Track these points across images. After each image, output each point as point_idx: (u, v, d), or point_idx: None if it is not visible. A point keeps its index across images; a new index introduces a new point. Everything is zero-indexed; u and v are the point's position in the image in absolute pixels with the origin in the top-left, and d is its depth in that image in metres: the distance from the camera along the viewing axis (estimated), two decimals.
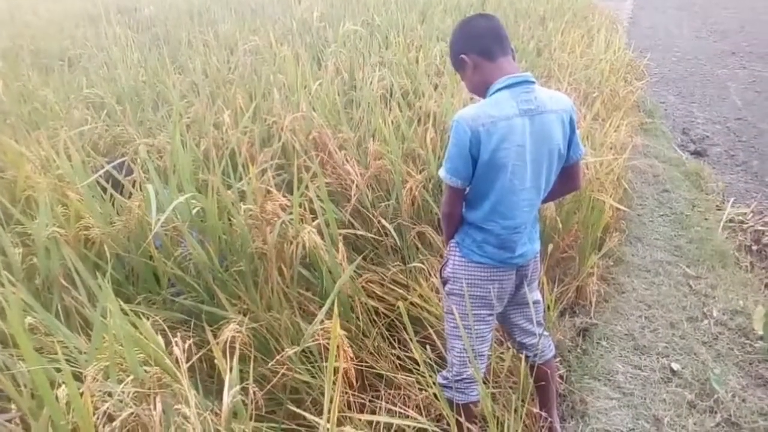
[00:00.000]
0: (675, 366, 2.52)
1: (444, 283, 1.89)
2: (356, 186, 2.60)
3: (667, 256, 3.38)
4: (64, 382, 1.30)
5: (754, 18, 11.99)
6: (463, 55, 1.69)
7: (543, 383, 2.05)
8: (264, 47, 4.36)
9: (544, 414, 2.08)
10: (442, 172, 1.70)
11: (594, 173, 2.79)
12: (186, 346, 1.41)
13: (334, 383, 1.31)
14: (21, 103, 3.45)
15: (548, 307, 2.43)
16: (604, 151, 3.24)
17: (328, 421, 1.30)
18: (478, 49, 1.68)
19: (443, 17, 5.71)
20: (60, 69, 4.54)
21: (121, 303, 1.37)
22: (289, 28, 5.41)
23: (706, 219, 3.90)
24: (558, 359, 2.52)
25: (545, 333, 2.02)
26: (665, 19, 12.38)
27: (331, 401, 1.29)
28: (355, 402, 1.92)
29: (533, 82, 1.67)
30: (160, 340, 1.46)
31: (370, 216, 2.60)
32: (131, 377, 1.31)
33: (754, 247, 3.62)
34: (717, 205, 4.12)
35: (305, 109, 2.98)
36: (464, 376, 1.85)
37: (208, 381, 1.80)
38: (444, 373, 1.91)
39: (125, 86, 3.81)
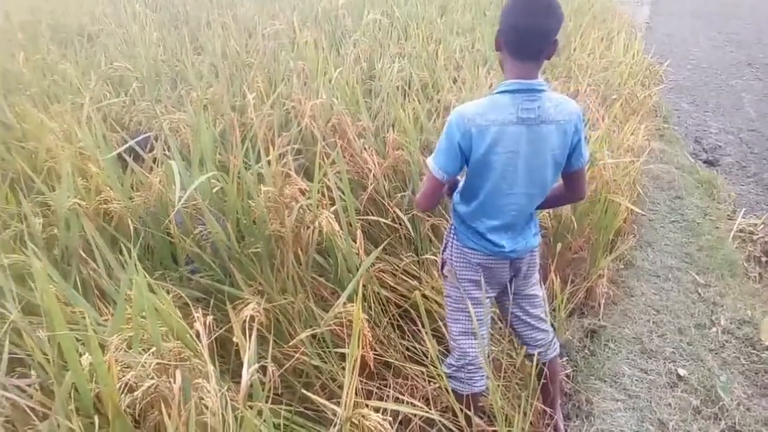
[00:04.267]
0: (681, 371, 2.53)
1: (442, 265, 1.92)
2: (373, 175, 2.60)
3: (677, 262, 3.39)
4: (85, 352, 1.32)
5: None
6: (499, 37, 1.70)
7: (545, 381, 2.07)
8: (284, 32, 4.36)
9: (549, 411, 2.10)
10: (429, 161, 1.72)
11: (611, 175, 2.79)
12: (207, 321, 1.42)
13: (353, 369, 1.32)
14: (41, 77, 3.45)
15: (557, 308, 2.44)
16: (621, 153, 3.23)
17: (344, 408, 1.31)
18: (509, 40, 1.66)
19: (463, 12, 5.69)
20: (79, 44, 4.53)
21: (147, 276, 1.38)
22: (308, 15, 5.40)
23: (716, 228, 3.89)
24: (565, 359, 2.54)
25: (548, 329, 2.03)
26: (682, 26, 12.29)
27: (348, 387, 1.31)
28: (362, 389, 1.94)
29: (542, 90, 1.65)
30: (178, 315, 1.48)
31: (386, 206, 2.61)
32: (153, 349, 1.32)
33: (764, 259, 3.62)
34: (728, 215, 4.11)
35: (325, 96, 2.98)
36: (467, 362, 1.87)
37: (220, 361, 1.81)
38: (448, 360, 1.93)
39: (144, 64, 3.81)
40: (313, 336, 1.88)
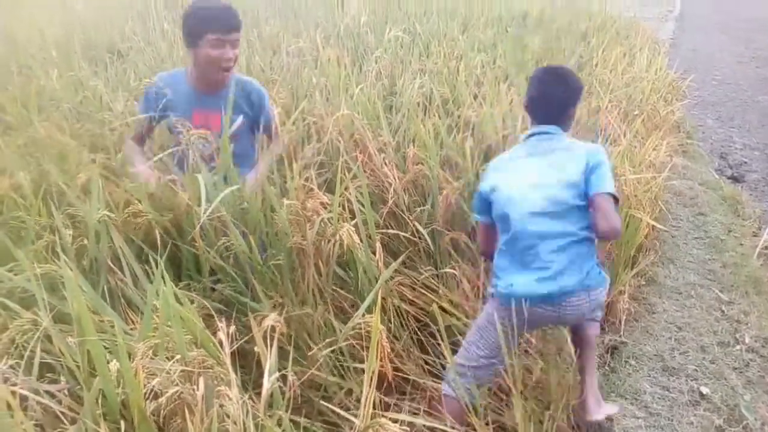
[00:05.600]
0: (704, 390, 2.49)
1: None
2: (393, 190, 2.64)
3: (700, 279, 3.35)
4: (113, 359, 1.37)
5: None
6: (525, 103, 2.06)
7: (577, 349, 2.13)
8: (307, 49, 4.44)
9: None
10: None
11: (632, 190, 2.78)
12: (230, 331, 1.46)
13: (371, 382, 1.35)
14: (73, 93, 3.56)
15: None
16: (642, 169, 3.22)
17: (361, 419, 1.33)
18: (528, 107, 1.97)
19: (485, 29, 5.74)
20: (109, 61, 4.67)
21: (173, 287, 1.43)
22: (330, 32, 5.50)
23: (741, 245, 3.85)
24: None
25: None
26: (707, 41, 12.19)
27: (366, 397, 1.33)
28: (381, 401, 1.95)
29: (552, 133, 1.86)
30: (201, 324, 1.52)
31: (406, 219, 2.64)
32: (178, 356, 1.36)
33: None
34: (753, 232, 4.07)
35: (347, 111, 3.04)
36: (459, 362, 1.94)
37: (242, 371, 1.84)
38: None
39: None
40: (332, 350, 1.91)
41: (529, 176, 1.91)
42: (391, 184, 2.63)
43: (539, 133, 1.96)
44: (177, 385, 1.31)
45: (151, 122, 2.30)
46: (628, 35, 6.93)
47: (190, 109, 2.19)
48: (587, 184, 1.85)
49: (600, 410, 2.08)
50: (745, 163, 5.61)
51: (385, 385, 1.92)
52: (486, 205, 2.04)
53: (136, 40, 5.54)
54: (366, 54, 4.76)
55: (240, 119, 2.21)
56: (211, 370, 1.39)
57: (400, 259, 1.85)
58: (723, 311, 3.06)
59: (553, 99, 1.95)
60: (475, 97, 3.64)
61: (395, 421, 1.33)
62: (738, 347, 2.78)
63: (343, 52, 4.29)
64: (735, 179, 5.16)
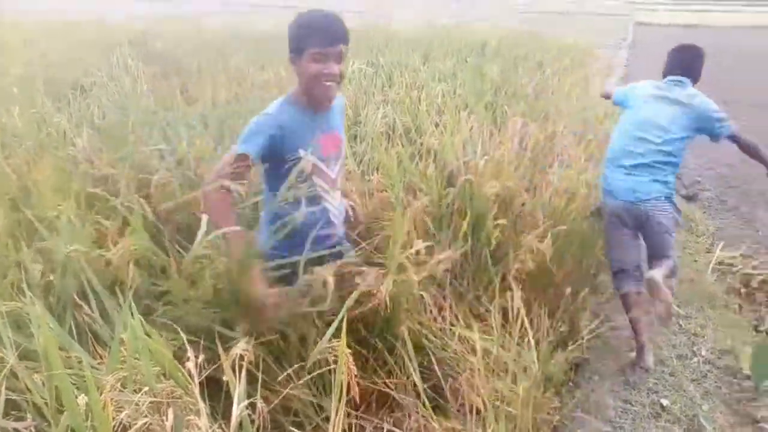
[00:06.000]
0: (664, 402, 2.58)
1: None
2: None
3: None
4: (81, 393, 1.38)
5: (745, 67, 12.36)
6: None
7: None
8: (273, 81, 4.53)
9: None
10: None
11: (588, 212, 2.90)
12: (199, 360, 1.48)
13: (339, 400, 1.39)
14: (36, 130, 3.56)
15: (539, 341, 2.50)
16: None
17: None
18: None
19: (444, 60, 5.93)
20: (73, 96, 4.67)
21: (142, 319, 1.45)
22: None
23: (695, 261, 4.00)
24: (553, 391, 2.55)
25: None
26: (659, 67, 12.72)
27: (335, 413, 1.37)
28: (355, 424, 1.98)
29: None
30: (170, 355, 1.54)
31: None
32: (146, 388, 1.38)
33: (743, 290, 3.71)
34: (707, 248, 4.23)
35: None
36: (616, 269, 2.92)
37: (212, 400, 1.86)
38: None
39: (134, 115, 3.93)
40: (300, 376, 1.93)
41: None
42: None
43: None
44: (146, 416, 1.33)
45: (262, 161, 1.98)
46: (583, 63, 7.23)
47: (316, 134, 1.99)
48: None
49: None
50: (699, 182, 5.84)
51: (364, 406, 1.95)
52: None
53: (99, 75, 5.56)
54: None
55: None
56: (180, 400, 1.41)
57: (361, 287, 1.88)
58: (681, 325, 3.18)
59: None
60: (437, 125, 3.75)
61: None
62: (695, 359, 2.89)
63: None
64: (689, 198, 5.36)
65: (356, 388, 1.53)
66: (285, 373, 1.74)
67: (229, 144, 3.38)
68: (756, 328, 3.22)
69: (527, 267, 2.65)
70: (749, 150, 3.00)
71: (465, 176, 2.83)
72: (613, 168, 2.95)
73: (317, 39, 1.85)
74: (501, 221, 2.70)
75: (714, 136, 2.95)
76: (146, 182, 2.63)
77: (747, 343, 3.00)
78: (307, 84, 1.93)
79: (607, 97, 3.53)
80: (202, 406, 1.41)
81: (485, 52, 6.73)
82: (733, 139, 2.96)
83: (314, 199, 1.99)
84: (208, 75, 5.13)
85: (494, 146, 3.30)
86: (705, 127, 2.92)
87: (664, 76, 3.09)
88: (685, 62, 3.05)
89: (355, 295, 1.79)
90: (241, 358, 1.63)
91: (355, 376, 1.54)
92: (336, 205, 2.12)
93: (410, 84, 4.77)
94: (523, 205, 3.01)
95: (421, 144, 3.44)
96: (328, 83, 1.90)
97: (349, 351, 1.55)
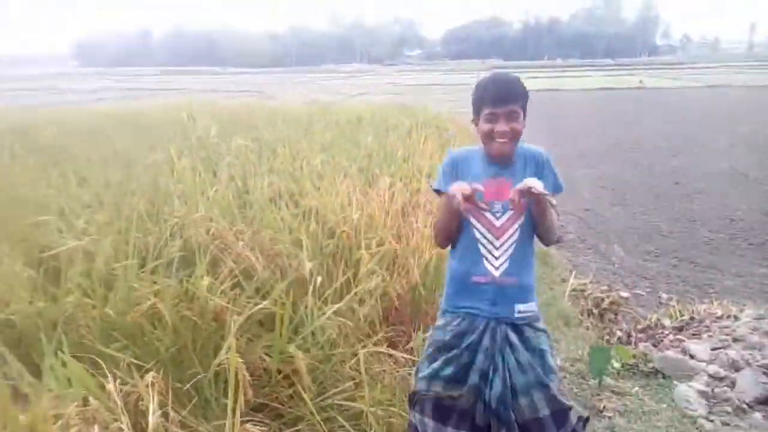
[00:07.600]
0: None
1: None
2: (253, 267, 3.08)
3: None
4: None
5: (598, 122, 14.11)
6: None
7: None
8: (163, 161, 4.86)
9: None
10: None
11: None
12: (116, 385, 1.81)
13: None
14: None
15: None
16: None
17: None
18: None
19: (324, 132, 6.55)
20: None
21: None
22: (183, 145, 5.96)
23: (551, 289, 4.68)
24: None
25: None
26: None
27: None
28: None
29: None
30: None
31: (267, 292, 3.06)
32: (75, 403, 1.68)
33: (595, 311, 4.37)
34: (562, 278, 4.94)
35: (203, 211, 3.48)
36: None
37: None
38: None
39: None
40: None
41: None
42: (253, 264, 3.07)
43: None
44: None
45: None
46: (446, 129, 8.17)
47: (481, 178, 2.06)
48: None
49: None
50: (563, 226, 6.64)
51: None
52: None
53: None
54: (219, 161, 5.27)
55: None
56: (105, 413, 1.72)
57: (245, 316, 2.27)
58: None
59: None
60: (318, 189, 4.25)
61: None
62: None
63: (197, 162, 4.77)
64: (556, 241, 6.15)
65: (248, 386, 1.90)
66: (188, 385, 2.07)
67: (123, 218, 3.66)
68: (608, 341, 3.82)
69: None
70: None
71: (342, 229, 3.33)
72: None
73: (489, 100, 1.98)
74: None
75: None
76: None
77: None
78: (483, 141, 2.06)
79: None
80: (124, 421, 1.73)
81: (361, 125, 7.45)
82: None
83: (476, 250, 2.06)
84: (100, 159, 5.34)
85: (367, 203, 3.83)
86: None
87: None
88: None
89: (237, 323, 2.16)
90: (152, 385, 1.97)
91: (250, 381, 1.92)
92: (497, 255, 2.06)
93: (293, 155, 5.27)
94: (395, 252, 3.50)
95: (305, 205, 3.91)
96: (501, 140, 2.01)
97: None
